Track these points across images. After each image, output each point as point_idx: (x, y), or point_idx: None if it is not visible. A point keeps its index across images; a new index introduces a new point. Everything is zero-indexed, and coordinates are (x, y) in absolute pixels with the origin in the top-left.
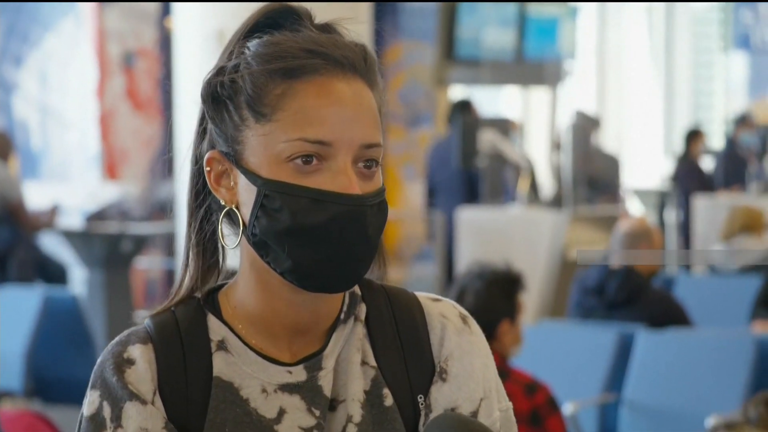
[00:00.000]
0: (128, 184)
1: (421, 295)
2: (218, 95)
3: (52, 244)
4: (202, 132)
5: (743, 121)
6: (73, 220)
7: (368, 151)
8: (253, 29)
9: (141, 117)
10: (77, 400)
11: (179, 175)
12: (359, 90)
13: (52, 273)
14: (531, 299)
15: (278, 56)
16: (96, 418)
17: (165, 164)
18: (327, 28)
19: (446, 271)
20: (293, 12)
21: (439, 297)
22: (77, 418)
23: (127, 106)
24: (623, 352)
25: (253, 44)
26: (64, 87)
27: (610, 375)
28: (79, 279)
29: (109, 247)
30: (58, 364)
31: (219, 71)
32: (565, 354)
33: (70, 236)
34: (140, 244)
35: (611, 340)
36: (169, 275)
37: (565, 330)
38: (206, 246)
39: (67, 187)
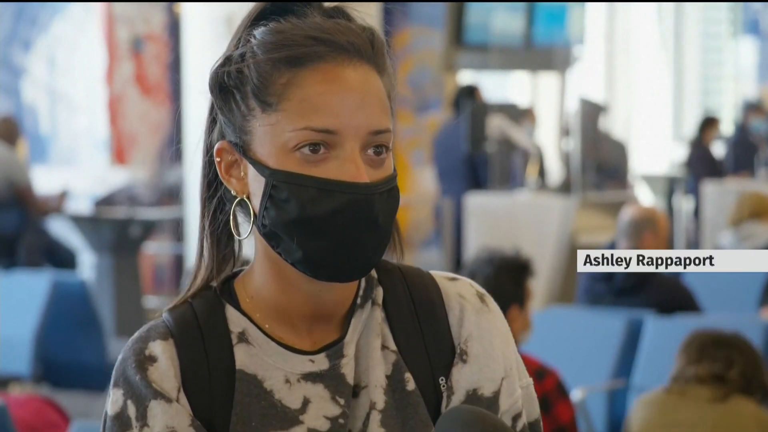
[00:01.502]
0: (137, 169)
1: (437, 275)
2: (225, 85)
3: (60, 229)
4: (212, 122)
5: (754, 107)
6: (81, 204)
7: (377, 137)
8: (260, 16)
9: (149, 102)
10: (85, 384)
11: (188, 160)
12: (366, 76)
13: (60, 258)
14: (539, 285)
15: (283, 45)
16: (121, 417)
17: (174, 149)
18: (336, 13)
19: (454, 256)
20: None
21: (455, 275)
22: (85, 402)
23: (135, 91)
24: (632, 338)
25: (259, 32)
26: (72, 71)
27: (618, 361)
28: (87, 264)
29: (117, 232)
30: (66, 349)
31: (226, 61)
32: (573, 340)
33: (79, 221)
34: (149, 229)
35: (620, 326)
36: (178, 260)
37: (574, 316)
38: (220, 236)
39: (76, 172)
